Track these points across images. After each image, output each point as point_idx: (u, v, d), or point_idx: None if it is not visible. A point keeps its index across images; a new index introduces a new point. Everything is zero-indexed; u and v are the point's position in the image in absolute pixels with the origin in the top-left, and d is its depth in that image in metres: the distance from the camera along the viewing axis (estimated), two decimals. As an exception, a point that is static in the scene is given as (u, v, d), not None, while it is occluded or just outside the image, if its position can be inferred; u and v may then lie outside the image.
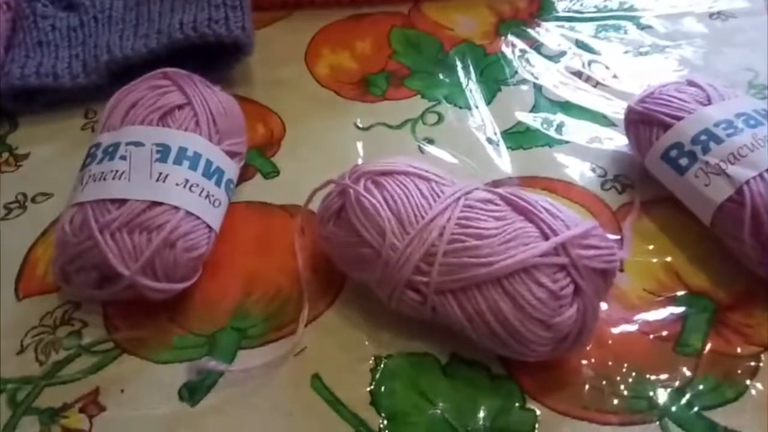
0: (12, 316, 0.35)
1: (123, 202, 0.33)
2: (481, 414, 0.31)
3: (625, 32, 0.52)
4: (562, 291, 0.29)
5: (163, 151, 0.35)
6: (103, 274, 0.32)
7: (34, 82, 0.45)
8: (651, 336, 0.33)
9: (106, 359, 0.33)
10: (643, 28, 0.53)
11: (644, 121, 0.39)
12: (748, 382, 0.32)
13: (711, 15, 0.54)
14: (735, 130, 0.35)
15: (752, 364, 0.32)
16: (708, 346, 0.33)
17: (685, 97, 0.38)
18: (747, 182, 0.33)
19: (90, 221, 0.32)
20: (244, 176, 0.41)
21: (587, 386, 0.32)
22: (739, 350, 0.33)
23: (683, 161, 0.36)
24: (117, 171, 0.34)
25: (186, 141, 0.36)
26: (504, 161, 0.42)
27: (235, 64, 0.47)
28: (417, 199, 0.32)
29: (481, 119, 0.45)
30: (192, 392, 0.31)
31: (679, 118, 0.37)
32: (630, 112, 0.40)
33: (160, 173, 0.34)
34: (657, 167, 0.38)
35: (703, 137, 0.36)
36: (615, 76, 0.49)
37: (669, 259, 0.37)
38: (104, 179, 0.34)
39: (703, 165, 0.35)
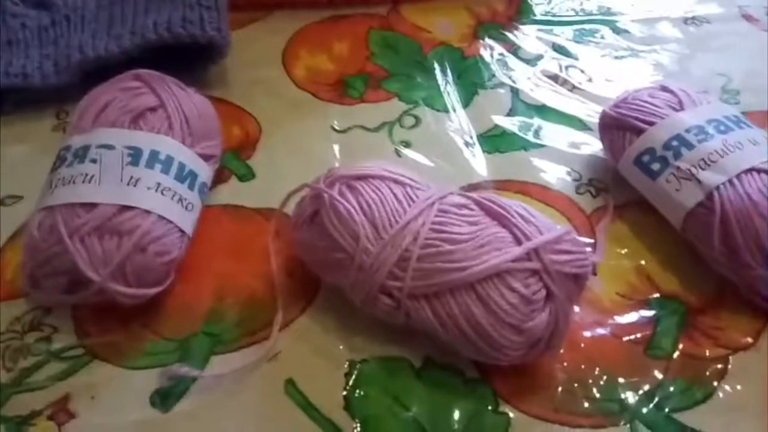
0: (-21, 321, 0.34)
1: (93, 206, 0.32)
2: (455, 418, 0.31)
3: (602, 36, 0.53)
4: (534, 296, 0.29)
5: (135, 154, 0.34)
6: (72, 280, 0.32)
7: (3, 81, 0.44)
8: (623, 339, 0.34)
9: (77, 365, 0.32)
10: (619, 32, 0.54)
11: (618, 126, 0.39)
12: (716, 384, 0.32)
13: (686, 20, 0.55)
14: (706, 136, 0.36)
15: (720, 366, 0.33)
16: (678, 349, 0.33)
17: (658, 102, 0.39)
18: (717, 188, 0.34)
19: (59, 226, 0.32)
20: (219, 179, 0.40)
21: (560, 389, 0.32)
22: (708, 353, 0.33)
23: (655, 166, 0.37)
24: (87, 174, 0.34)
25: (158, 144, 0.35)
26: (480, 165, 0.43)
27: (211, 65, 0.47)
28: (392, 203, 0.32)
29: (459, 122, 0.45)
30: (164, 398, 0.31)
31: (651, 123, 0.38)
32: (604, 117, 0.41)
33: (131, 177, 0.34)
34: (630, 172, 0.39)
35: (674, 143, 0.36)
36: (591, 80, 0.49)
37: (641, 262, 0.37)
38: (74, 182, 0.34)
39: (675, 170, 0.36)
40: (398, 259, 0.30)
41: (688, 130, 0.36)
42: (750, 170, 0.34)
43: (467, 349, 0.30)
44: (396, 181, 0.33)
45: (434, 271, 0.30)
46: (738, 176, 0.34)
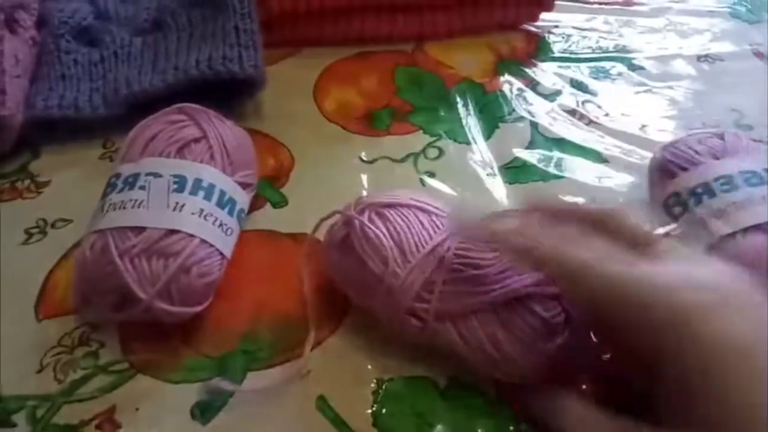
0: (32, 336, 0.36)
1: (142, 229, 0.35)
2: (477, 435, 0.32)
3: (618, 73, 0.55)
4: (553, 319, 0.31)
5: (180, 181, 0.37)
6: (121, 298, 0.34)
7: (56, 113, 0.47)
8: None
9: (122, 379, 0.35)
10: (635, 69, 0.56)
11: (659, 168, 0.42)
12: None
13: (699, 57, 0.57)
14: (731, 187, 0.37)
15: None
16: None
17: (702, 149, 0.40)
18: (721, 239, 0.35)
19: (110, 247, 0.34)
20: (254, 206, 0.43)
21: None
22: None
23: (677, 210, 0.38)
24: (136, 200, 0.36)
25: (201, 172, 0.38)
26: (501, 194, 0.45)
27: (248, 99, 0.50)
28: (418, 230, 0.34)
29: (480, 154, 0.48)
30: (203, 411, 0.33)
31: (686, 169, 0.40)
32: (652, 158, 0.43)
33: (177, 203, 0.36)
34: (657, 213, 0.40)
35: (699, 189, 0.38)
36: (607, 115, 0.51)
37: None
38: (124, 208, 0.36)
39: (689, 217, 0.37)
40: (425, 283, 0.32)
41: (716, 179, 0.38)
42: (754, 227, 0.35)
43: (489, 369, 0.32)
44: (422, 209, 0.35)
45: (459, 294, 0.32)
46: (745, 231, 0.35)
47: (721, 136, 0.41)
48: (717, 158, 0.39)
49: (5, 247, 0.41)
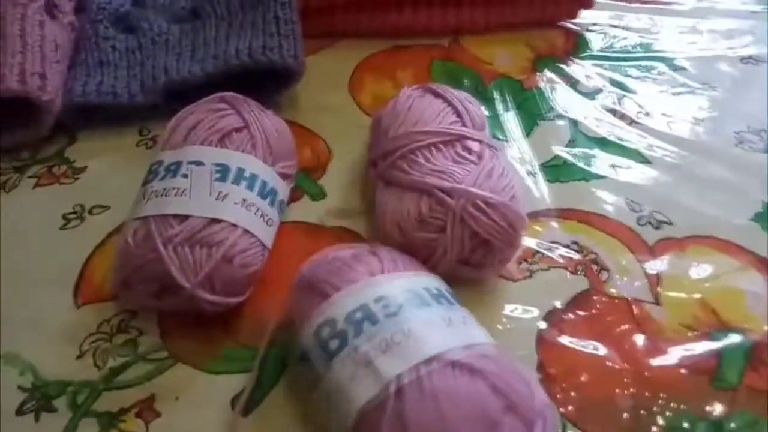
0: (71, 322, 0.36)
1: (184, 217, 0.35)
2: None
3: (659, 73, 0.54)
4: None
5: (223, 170, 0.37)
6: (164, 286, 0.34)
7: (94, 99, 0.47)
8: (687, 369, 0.34)
9: (161, 367, 0.34)
10: (676, 69, 0.55)
11: (309, 287, 0.32)
12: (784, 419, 0.33)
13: (742, 59, 0.56)
14: (395, 310, 0.29)
15: (788, 401, 0.33)
16: (744, 382, 0.34)
17: (355, 264, 0.32)
18: (395, 379, 0.27)
19: (153, 235, 0.34)
20: (292, 197, 0.42)
21: (625, 415, 0.33)
22: (774, 387, 0.34)
23: (333, 344, 0.29)
24: (179, 188, 0.36)
25: (244, 162, 0.38)
26: (542, 193, 0.44)
27: (284, 90, 0.49)
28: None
29: (519, 151, 0.47)
30: (244, 402, 0.33)
31: (338, 288, 0.31)
32: (298, 278, 0.33)
33: (220, 192, 0.36)
34: (311, 347, 0.30)
35: (359, 315, 0.29)
36: (648, 114, 0.50)
37: (705, 294, 0.38)
38: (166, 195, 0.36)
39: (353, 351, 0.28)
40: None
41: (377, 300, 0.29)
42: (436, 358, 0.27)
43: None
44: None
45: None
46: (420, 366, 0.27)
47: (373, 251, 0.33)
48: (375, 274, 0.31)
49: (43, 232, 0.41)
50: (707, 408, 0.33)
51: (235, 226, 0.35)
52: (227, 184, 0.36)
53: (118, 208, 0.41)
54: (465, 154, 0.38)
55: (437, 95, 0.42)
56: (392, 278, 0.31)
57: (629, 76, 0.54)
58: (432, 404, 0.26)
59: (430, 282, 0.32)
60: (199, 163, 0.37)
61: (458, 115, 0.40)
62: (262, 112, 0.41)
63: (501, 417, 0.26)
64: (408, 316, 0.29)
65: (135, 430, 0.32)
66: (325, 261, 0.33)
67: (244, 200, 0.36)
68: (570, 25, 0.58)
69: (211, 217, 0.35)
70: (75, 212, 0.42)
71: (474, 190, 0.35)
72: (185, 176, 0.36)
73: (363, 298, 0.30)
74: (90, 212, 0.42)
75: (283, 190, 0.40)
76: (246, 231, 0.35)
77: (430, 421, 0.25)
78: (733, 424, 0.32)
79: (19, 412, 0.32)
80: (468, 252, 0.36)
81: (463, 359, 0.27)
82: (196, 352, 0.35)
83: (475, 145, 0.38)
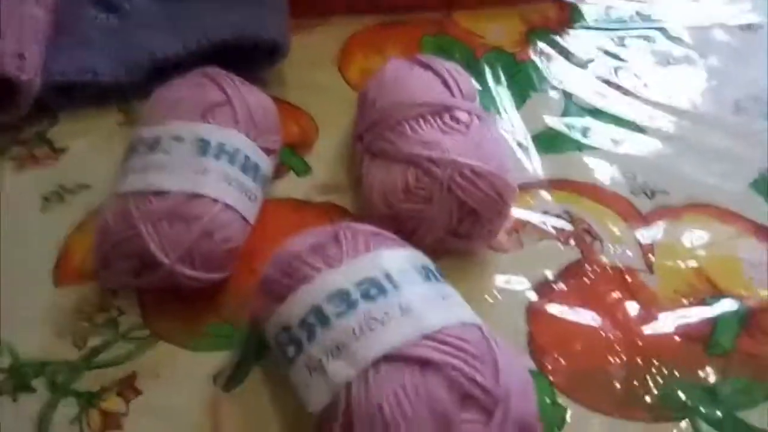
0: (50, 302, 0.35)
1: (164, 193, 0.34)
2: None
3: (654, 42, 0.53)
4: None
5: (203, 145, 0.36)
6: (143, 262, 0.33)
7: (75, 78, 0.46)
8: (681, 336, 0.34)
9: (143, 346, 0.34)
10: (671, 38, 0.53)
11: (267, 291, 0.31)
12: (780, 384, 0.32)
13: (740, 27, 0.54)
14: (348, 307, 0.27)
15: (785, 366, 0.32)
16: (738, 348, 0.33)
17: (311, 259, 0.30)
18: (347, 386, 0.26)
19: (132, 211, 0.33)
20: (277, 174, 0.42)
21: (617, 384, 0.32)
22: (770, 353, 0.33)
23: (291, 350, 0.28)
24: (158, 164, 0.35)
25: (225, 137, 0.37)
26: (534, 165, 0.43)
27: (270, 66, 0.48)
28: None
29: (511, 124, 0.46)
30: (226, 378, 0.32)
31: (295, 290, 0.29)
32: (262, 279, 0.31)
33: (200, 166, 0.35)
34: (275, 351, 0.30)
35: (311, 318, 0.28)
36: (645, 85, 0.49)
37: (700, 262, 0.37)
38: (146, 171, 0.35)
39: (307, 358, 0.27)
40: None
41: (329, 299, 0.28)
42: (386, 358, 0.26)
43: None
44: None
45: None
46: (369, 369, 0.25)
47: (335, 235, 0.31)
48: (333, 266, 0.29)
49: (23, 213, 0.40)
50: (701, 374, 0.32)
51: (215, 200, 0.34)
52: (208, 159, 0.35)
53: (100, 189, 0.40)
54: (453, 124, 0.37)
55: (425, 66, 0.41)
56: (349, 269, 0.29)
57: (624, 46, 0.53)
58: (378, 409, 0.25)
59: (395, 261, 0.29)
60: (179, 139, 0.36)
61: (446, 85, 0.39)
62: (245, 87, 0.40)
63: (455, 412, 0.24)
64: (359, 313, 0.27)
65: (116, 409, 0.31)
66: (281, 259, 0.31)
67: (226, 175, 0.35)
68: (563, -3, 0.57)
69: (191, 192, 0.34)
70: (56, 192, 0.41)
71: (461, 159, 0.34)
72: (165, 151, 0.36)
73: (316, 299, 0.28)
74: (71, 192, 0.42)
75: (267, 165, 0.39)
76: (227, 206, 0.35)
77: (376, 426, 0.25)
78: (726, 390, 0.31)
79: (-3, 391, 0.32)
80: (456, 222, 0.35)
81: (415, 354, 0.26)
82: (178, 329, 0.34)
83: (463, 115, 0.37)
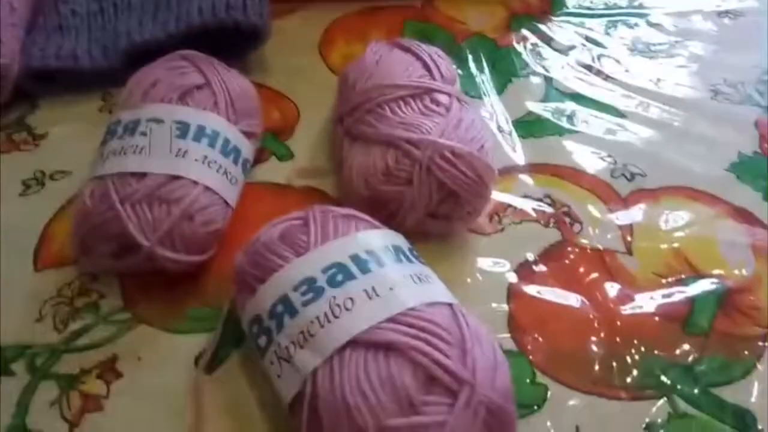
0: (30, 286, 0.35)
1: (143, 175, 0.33)
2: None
3: (635, 28, 0.53)
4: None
5: (183, 128, 0.36)
6: (122, 245, 0.33)
7: (54, 63, 0.45)
8: (659, 316, 0.34)
9: (123, 329, 0.33)
10: (652, 25, 0.54)
11: (240, 281, 0.31)
12: (755, 362, 0.32)
13: (719, 13, 0.55)
14: (315, 294, 0.27)
15: (760, 344, 0.33)
16: (716, 327, 0.33)
17: (280, 248, 0.29)
18: (313, 373, 0.26)
19: (111, 193, 0.33)
20: (259, 158, 0.41)
21: (596, 363, 0.32)
22: (746, 331, 0.33)
23: (262, 341, 0.28)
24: (137, 146, 0.35)
25: (204, 119, 0.36)
26: (515, 149, 0.43)
27: (251, 51, 0.48)
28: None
29: (492, 108, 0.46)
30: (207, 361, 0.32)
31: (262, 281, 0.29)
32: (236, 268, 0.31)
33: (180, 149, 0.35)
34: (249, 341, 0.30)
35: (279, 308, 0.28)
36: (626, 71, 0.49)
37: (678, 243, 0.37)
38: (125, 154, 0.35)
39: (276, 348, 0.27)
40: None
41: (296, 287, 0.28)
42: (351, 344, 0.26)
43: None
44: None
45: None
46: (334, 357, 0.25)
47: (305, 220, 0.31)
48: (301, 254, 0.29)
49: (3, 199, 0.40)
50: (678, 353, 0.32)
51: (195, 183, 0.34)
52: (187, 141, 0.35)
53: (80, 174, 0.40)
54: (433, 106, 0.37)
55: (405, 50, 0.41)
56: (317, 255, 0.29)
57: (605, 32, 0.53)
58: (341, 396, 0.25)
59: (365, 244, 0.29)
60: (158, 121, 0.36)
61: (427, 68, 0.39)
62: (225, 70, 0.40)
63: (418, 395, 0.24)
64: (325, 300, 0.27)
65: (96, 392, 0.31)
66: (251, 250, 0.31)
67: (205, 157, 0.35)
68: (545, -17, 0.57)
69: (170, 174, 0.34)
70: (35, 178, 0.41)
71: (441, 140, 0.34)
72: (144, 134, 0.35)
73: (283, 288, 0.28)
74: (51, 178, 0.41)
75: (248, 149, 0.39)
76: (207, 188, 0.34)
77: (339, 413, 0.24)
78: (703, 368, 0.32)
79: (-25, 375, 0.31)
80: (436, 204, 0.35)
81: (380, 338, 0.25)
82: (160, 313, 0.34)
83: (443, 98, 0.37)
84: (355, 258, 0.28)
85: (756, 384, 0.31)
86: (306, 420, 0.26)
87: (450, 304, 0.28)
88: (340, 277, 0.28)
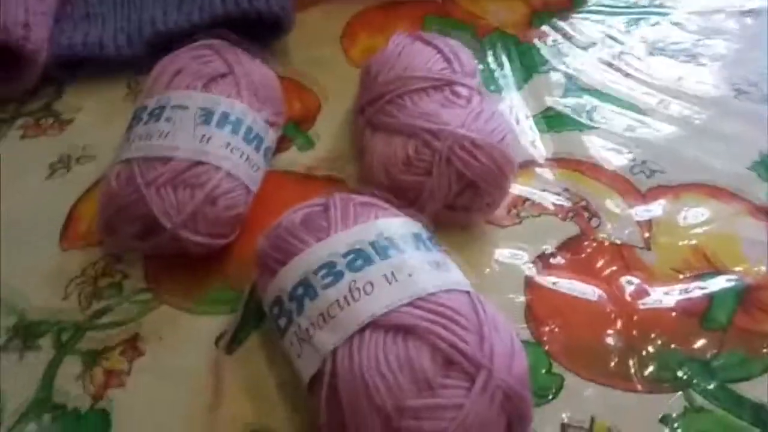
0: (56, 265, 0.36)
1: (168, 159, 0.34)
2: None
3: (656, 26, 0.53)
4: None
5: (207, 114, 0.36)
6: (147, 226, 0.33)
7: (81, 51, 0.46)
8: (677, 311, 0.34)
9: (146, 308, 0.34)
10: (674, 23, 0.54)
11: (261, 264, 0.31)
12: (774, 358, 0.32)
13: (743, 13, 0.54)
14: (335, 278, 0.28)
15: (779, 341, 0.33)
16: (734, 323, 0.33)
17: (304, 231, 0.30)
18: (332, 353, 0.26)
19: (136, 176, 0.34)
20: (280, 147, 0.42)
21: (613, 355, 0.32)
22: (766, 328, 0.33)
23: (282, 322, 0.29)
24: (162, 131, 0.35)
25: (228, 107, 0.37)
26: (535, 143, 0.43)
27: (273, 42, 0.48)
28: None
29: (512, 103, 0.46)
30: (228, 341, 0.32)
31: (285, 263, 0.29)
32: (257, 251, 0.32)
33: (204, 135, 0.35)
34: (270, 322, 0.31)
35: (300, 290, 0.28)
36: (648, 68, 0.49)
37: (698, 240, 0.37)
38: (150, 138, 0.35)
39: (297, 329, 0.28)
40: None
41: (317, 271, 0.28)
42: (370, 326, 0.26)
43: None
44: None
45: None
46: (354, 337, 0.26)
47: (326, 206, 0.31)
48: (321, 239, 0.29)
49: (30, 181, 0.41)
50: (696, 347, 0.32)
51: (218, 168, 0.35)
52: (211, 128, 0.36)
53: (105, 159, 0.41)
54: (454, 98, 0.37)
55: (427, 43, 0.41)
56: (337, 240, 0.29)
57: (626, 29, 0.53)
58: (360, 375, 0.25)
59: (384, 230, 0.29)
60: (183, 107, 0.36)
61: (448, 61, 0.40)
62: (248, 59, 0.41)
63: (436, 378, 0.25)
64: (345, 284, 0.27)
65: (119, 368, 0.32)
66: (273, 234, 0.31)
67: (228, 144, 0.36)
68: (567, -20, 0.57)
69: (194, 159, 0.34)
70: (61, 162, 0.42)
71: (461, 131, 0.35)
72: (169, 120, 0.36)
73: (304, 271, 0.29)
74: (77, 161, 0.42)
75: (270, 137, 0.39)
76: (229, 173, 0.35)
77: (359, 392, 0.25)
78: (721, 363, 0.32)
79: (4, 349, 0.32)
80: (455, 195, 0.35)
81: (399, 321, 0.26)
82: (182, 294, 0.35)
83: (464, 90, 0.38)
84: (374, 244, 0.29)
85: (775, 381, 0.31)
86: (325, 398, 0.26)
87: (468, 292, 0.28)
88: (359, 262, 0.28)
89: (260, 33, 0.47)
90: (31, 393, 0.31)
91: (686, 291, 0.35)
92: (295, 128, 0.44)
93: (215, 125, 0.36)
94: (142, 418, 0.30)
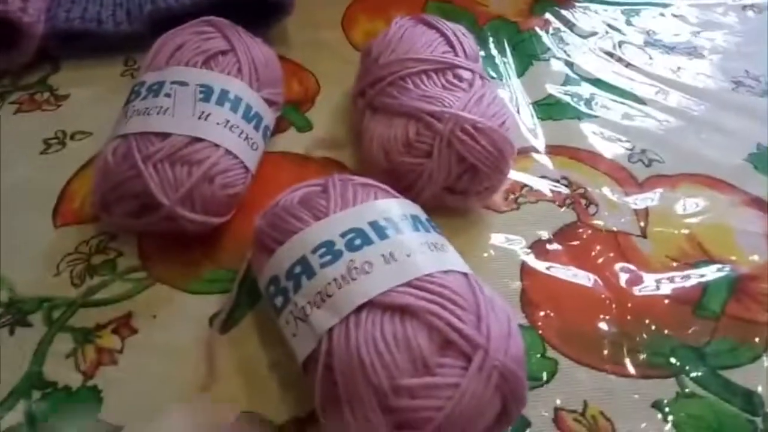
0: (49, 242, 0.36)
1: (166, 135, 0.34)
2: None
3: (657, 17, 0.53)
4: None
5: (206, 91, 0.36)
6: (143, 203, 0.33)
7: (79, 26, 0.46)
8: (671, 298, 0.34)
9: (140, 287, 0.34)
10: (675, 15, 0.54)
11: (259, 244, 0.31)
12: (765, 347, 0.32)
13: (744, 7, 0.55)
14: (333, 257, 0.28)
15: (770, 330, 0.33)
16: (727, 311, 0.34)
17: (303, 210, 0.30)
18: (328, 332, 0.26)
19: (134, 152, 0.33)
20: (278, 129, 0.42)
21: (607, 341, 0.32)
22: (757, 317, 0.33)
23: (278, 301, 0.29)
24: (161, 107, 0.35)
25: (228, 84, 0.37)
26: (534, 130, 0.43)
27: (274, 23, 0.48)
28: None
29: (512, 90, 0.46)
30: (222, 321, 0.32)
31: (282, 243, 0.29)
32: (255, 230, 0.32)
33: (203, 112, 0.35)
34: (266, 301, 0.30)
35: (297, 269, 0.28)
36: (648, 59, 0.49)
37: (693, 229, 0.37)
38: (148, 114, 0.35)
39: (293, 307, 0.28)
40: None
41: (315, 250, 0.28)
42: (368, 305, 0.26)
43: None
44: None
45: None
46: (350, 317, 0.26)
47: (325, 186, 0.31)
48: (319, 217, 0.29)
49: (24, 156, 0.40)
50: (688, 334, 0.33)
51: (217, 146, 0.34)
52: (210, 105, 0.35)
53: (101, 135, 0.40)
54: (455, 81, 0.37)
55: (430, 26, 0.41)
56: (336, 220, 0.29)
57: (627, 20, 0.53)
58: (357, 354, 0.25)
59: (383, 211, 0.29)
60: (182, 83, 0.36)
61: (450, 45, 0.40)
62: (249, 38, 0.40)
63: (433, 357, 0.25)
64: (343, 263, 0.27)
65: (111, 346, 0.32)
66: (271, 212, 0.31)
67: (227, 121, 0.35)
68: (569, -31, 0.57)
69: (192, 136, 0.34)
70: (56, 137, 0.42)
71: (463, 114, 0.34)
72: (168, 95, 0.36)
73: (302, 250, 0.28)
74: (72, 138, 0.42)
75: (269, 116, 0.39)
76: (228, 151, 0.35)
77: (354, 370, 0.25)
78: (713, 350, 0.32)
79: (-6, 324, 0.32)
80: (454, 178, 0.35)
81: (397, 301, 0.26)
82: (176, 273, 0.35)
83: (466, 74, 0.37)
84: (373, 224, 0.29)
85: (766, 368, 0.31)
86: (320, 377, 0.26)
87: (465, 274, 0.28)
88: (358, 242, 0.28)
89: (262, 14, 0.47)
90: (22, 370, 0.30)
91: (680, 279, 0.35)
92: (294, 110, 0.44)
93: (215, 102, 0.36)
94: (133, 397, 0.30)
